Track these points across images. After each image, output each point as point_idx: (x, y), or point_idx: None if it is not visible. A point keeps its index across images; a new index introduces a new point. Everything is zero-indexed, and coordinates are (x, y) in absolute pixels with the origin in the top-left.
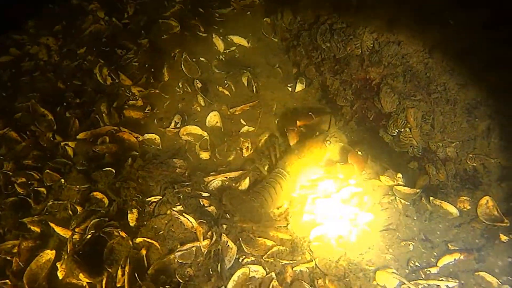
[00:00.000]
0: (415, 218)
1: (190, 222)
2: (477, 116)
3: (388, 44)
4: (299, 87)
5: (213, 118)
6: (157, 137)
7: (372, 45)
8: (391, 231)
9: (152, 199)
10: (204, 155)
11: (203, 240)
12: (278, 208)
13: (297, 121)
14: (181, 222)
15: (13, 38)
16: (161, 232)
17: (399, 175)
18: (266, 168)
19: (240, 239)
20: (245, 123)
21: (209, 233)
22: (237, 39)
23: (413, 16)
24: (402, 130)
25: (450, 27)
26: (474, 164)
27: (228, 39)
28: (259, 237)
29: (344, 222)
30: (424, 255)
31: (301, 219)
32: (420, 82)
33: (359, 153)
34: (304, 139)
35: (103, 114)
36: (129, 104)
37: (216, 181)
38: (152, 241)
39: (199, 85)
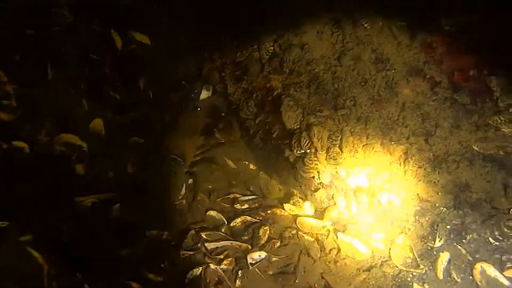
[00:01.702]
0: (318, 258)
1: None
2: (393, 139)
3: (290, 48)
4: (204, 94)
5: (96, 126)
6: (26, 145)
7: (272, 48)
8: (287, 275)
9: None
10: (79, 170)
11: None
12: None
13: (170, 94)
14: (28, 256)
15: None
16: None
17: (307, 203)
18: None
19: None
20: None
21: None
22: (139, 36)
23: (321, 15)
24: (308, 151)
25: (363, 30)
26: (389, 195)
27: (129, 35)
28: (129, 280)
29: (229, 262)
30: None
31: (179, 257)
32: (327, 95)
33: (223, 114)
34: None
35: None
36: (1, 104)
37: (86, 203)
38: None
39: (84, 86)
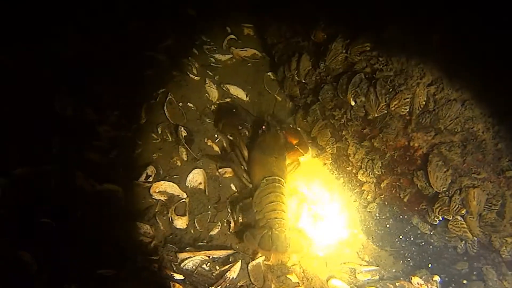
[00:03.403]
0: None
1: None
2: None
3: (448, 103)
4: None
5: (196, 177)
6: (120, 189)
7: (425, 102)
8: None
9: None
10: (180, 223)
11: None
12: None
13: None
14: None
15: None
16: None
17: (436, 278)
18: None
19: None
20: (235, 189)
21: None
22: (234, 90)
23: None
24: (452, 217)
25: None
26: None
27: (224, 88)
28: None
29: None
30: None
31: None
32: (486, 156)
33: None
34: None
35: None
36: (92, 144)
37: (193, 260)
38: None
39: (184, 133)
